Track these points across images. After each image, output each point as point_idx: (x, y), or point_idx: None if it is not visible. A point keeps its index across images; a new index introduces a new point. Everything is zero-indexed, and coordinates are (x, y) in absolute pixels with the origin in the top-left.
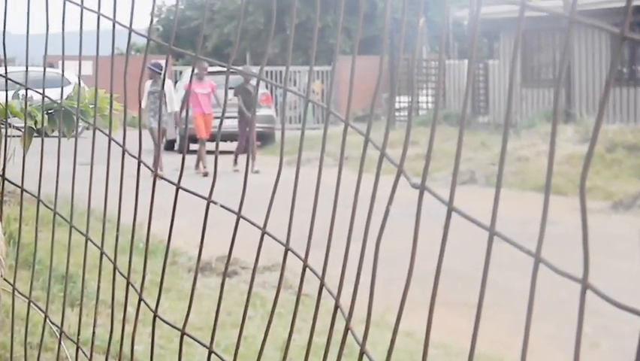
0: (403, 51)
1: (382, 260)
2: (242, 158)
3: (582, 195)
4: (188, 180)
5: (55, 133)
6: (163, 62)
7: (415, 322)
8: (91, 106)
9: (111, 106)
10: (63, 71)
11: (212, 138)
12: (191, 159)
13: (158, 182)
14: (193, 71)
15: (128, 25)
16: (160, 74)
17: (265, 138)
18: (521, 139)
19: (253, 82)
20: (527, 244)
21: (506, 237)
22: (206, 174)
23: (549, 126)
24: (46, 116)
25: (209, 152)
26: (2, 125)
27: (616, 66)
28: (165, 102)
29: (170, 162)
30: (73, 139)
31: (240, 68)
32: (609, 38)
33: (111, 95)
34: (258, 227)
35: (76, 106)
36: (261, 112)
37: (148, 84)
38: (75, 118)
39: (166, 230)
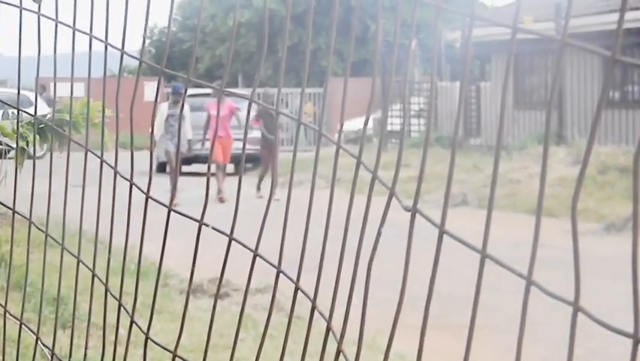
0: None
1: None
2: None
3: (573, 217)
4: (206, 207)
5: (44, 151)
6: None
7: (406, 344)
8: (82, 116)
9: (103, 127)
10: (55, 93)
11: (233, 161)
12: (182, 181)
13: (152, 203)
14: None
15: (120, 47)
16: (180, 96)
17: (256, 160)
18: (513, 161)
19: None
20: (519, 267)
21: (498, 259)
22: (223, 200)
23: (541, 148)
24: (37, 137)
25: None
26: None
27: (608, 89)
28: (184, 126)
29: (161, 183)
30: (65, 160)
31: (241, 90)
32: (601, 61)
33: (103, 117)
34: (250, 249)
35: (66, 119)
36: (252, 134)
37: (164, 107)
38: (64, 132)
39: (158, 252)
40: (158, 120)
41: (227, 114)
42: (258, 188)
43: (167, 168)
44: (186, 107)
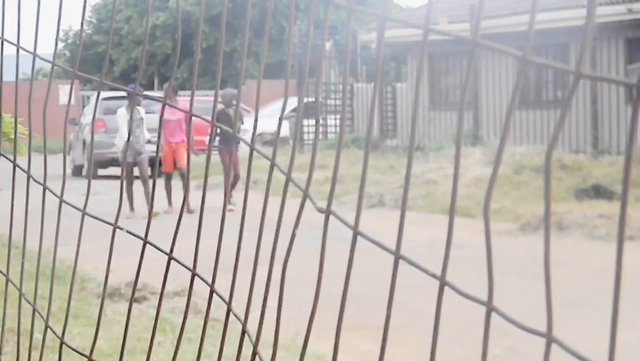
0: (311, 75)
1: (294, 284)
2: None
3: (486, 217)
4: (166, 220)
5: None
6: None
7: (325, 345)
8: None
9: (16, 130)
10: None
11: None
12: (99, 184)
13: (65, 207)
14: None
15: (33, 51)
16: (142, 99)
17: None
18: (429, 162)
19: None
20: (435, 267)
21: (411, 260)
22: (191, 211)
23: None
24: None
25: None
26: None
27: (518, 89)
28: (142, 132)
29: (77, 187)
30: None
31: (148, 92)
32: (516, 62)
33: (15, 120)
34: (165, 252)
35: None
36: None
37: (122, 112)
38: None
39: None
40: (123, 126)
41: (183, 118)
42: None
43: (83, 172)
44: (142, 110)
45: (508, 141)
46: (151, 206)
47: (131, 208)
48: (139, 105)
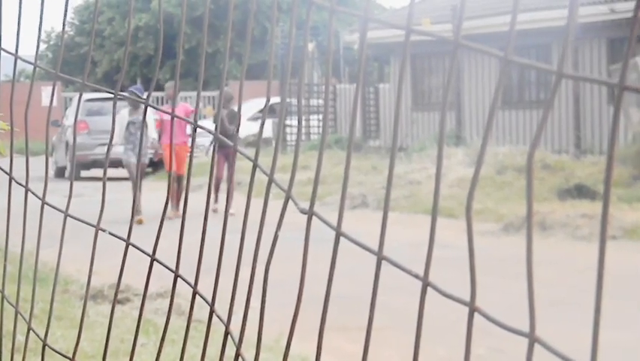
0: (294, 76)
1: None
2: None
3: (468, 217)
4: (165, 225)
5: None
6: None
7: (309, 346)
8: None
9: None
10: None
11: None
12: (82, 186)
13: (48, 209)
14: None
15: (14, 52)
16: (142, 100)
17: (156, 165)
18: (412, 163)
19: (232, 105)
20: (418, 267)
21: (394, 261)
22: (179, 217)
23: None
24: None
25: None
26: None
27: (500, 89)
28: (146, 133)
29: (60, 189)
30: None
31: (130, 92)
32: (498, 62)
33: None
34: (147, 254)
35: None
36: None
37: (124, 113)
38: None
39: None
40: (117, 128)
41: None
42: (215, 200)
43: (66, 173)
44: (149, 112)
45: (491, 142)
46: (136, 211)
47: (137, 211)
48: (133, 107)
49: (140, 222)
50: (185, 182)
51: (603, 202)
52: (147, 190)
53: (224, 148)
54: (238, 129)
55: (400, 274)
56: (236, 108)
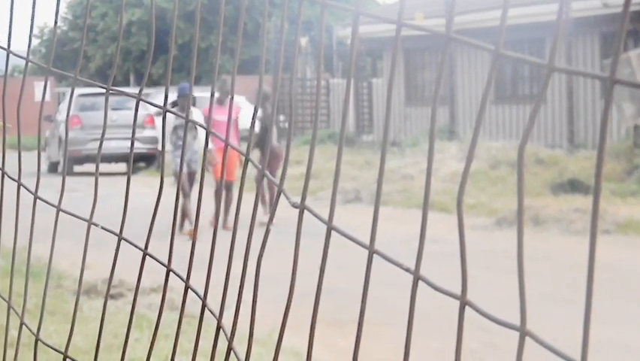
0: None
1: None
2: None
3: (459, 211)
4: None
5: None
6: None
7: (302, 341)
8: None
9: None
10: None
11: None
12: (75, 181)
13: (41, 204)
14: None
15: (6, 47)
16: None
17: (149, 160)
18: (405, 157)
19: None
20: (411, 262)
21: (385, 255)
22: (229, 228)
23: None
24: None
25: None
26: None
27: (492, 83)
28: (197, 137)
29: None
30: None
31: (122, 88)
32: (490, 57)
33: None
34: (140, 248)
35: None
36: (145, 133)
37: (170, 116)
38: None
39: (55, 253)
40: (166, 132)
41: (235, 119)
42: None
43: (59, 169)
44: (197, 112)
45: (485, 136)
46: (195, 222)
47: (181, 227)
48: (179, 107)
49: (190, 235)
50: (234, 190)
51: (594, 196)
52: (140, 186)
53: (263, 148)
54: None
55: (393, 269)
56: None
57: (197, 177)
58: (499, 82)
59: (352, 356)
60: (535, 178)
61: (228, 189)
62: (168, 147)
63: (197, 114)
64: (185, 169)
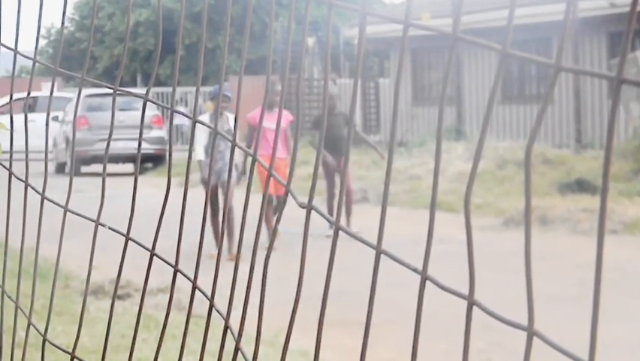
0: (293, 71)
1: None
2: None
3: (467, 211)
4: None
5: None
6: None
7: (309, 342)
8: None
9: None
10: None
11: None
12: (82, 182)
13: (49, 205)
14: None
15: (14, 48)
16: (226, 102)
17: (157, 160)
18: (413, 157)
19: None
20: (419, 262)
21: (393, 255)
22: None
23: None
24: None
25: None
26: None
27: (499, 83)
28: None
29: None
30: None
31: (130, 89)
32: (498, 57)
33: None
34: (147, 248)
35: None
36: (152, 133)
37: (205, 118)
38: None
39: (63, 254)
40: (203, 138)
41: (285, 127)
42: (330, 223)
43: (66, 169)
44: (231, 117)
45: (492, 136)
46: (239, 246)
47: (218, 245)
48: (221, 113)
49: (232, 258)
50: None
51: (601, 195)
52: (147, 186)
53: (336, 155)
54: (347, 142)
55: (401, 269)
56: (345, 110)
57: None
58: (506, 82)
59: (360, 356)
60: (543, 178)
61: (281, 205)
62: (201, 155)
63: (232, 119)
64: (213, 180)
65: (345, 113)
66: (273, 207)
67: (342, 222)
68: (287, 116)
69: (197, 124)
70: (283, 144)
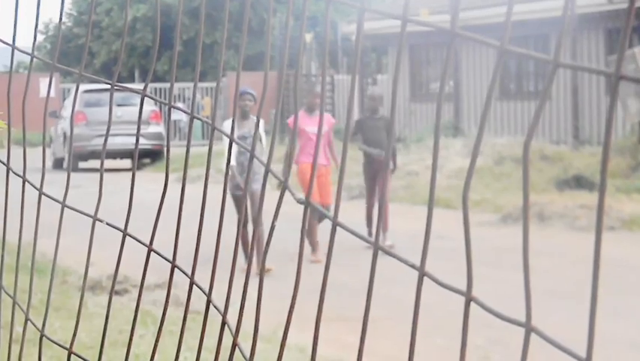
0: (291, 67)
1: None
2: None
3: (465, 207)
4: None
5: None
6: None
7: (308, 337)
8: None
9: None
10: None
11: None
12: (80, 177)
13: (46, 200)
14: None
15: (11, 43)
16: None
17: (154, 155)
18: (410, 154)
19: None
20: (416, 258)
21: (390, 251)
22: (318, 260)
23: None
24: None
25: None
26: None
27: (497, 79)
28: (261, 151)
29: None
30: None
31: (127, 85)
32: (496, 53)
33: None
34: (144, 244)
35: None
36: (150, 129)
37: (227, 126)
38: None
39: (61, 249)
40: (226, 145)
41: (328, 131)
42: (369, 232)
43: (64, 165)
44: (261, 121)
45: (490, 132)
46: (263, 261)
47: (247, 258)
48: (245, 117)
49: (268, 270)
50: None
51: (599, 191)
52: (145, 181)
53: (374, 164)
54: (389, 145)
55: (399, 265)
56: (386, 113)
57: (256, 198)
58: (504, 78)
59: (357, 352)
60: (541, 174)
61: (321, 214)
62: (232, 159)
63: (262, 126)
64: (239, 191)
65: (387, 118)
66: (317, 217)
67: (370, 232)
68: (329, 120)
69: (224, 124)
70: (324, 150)
